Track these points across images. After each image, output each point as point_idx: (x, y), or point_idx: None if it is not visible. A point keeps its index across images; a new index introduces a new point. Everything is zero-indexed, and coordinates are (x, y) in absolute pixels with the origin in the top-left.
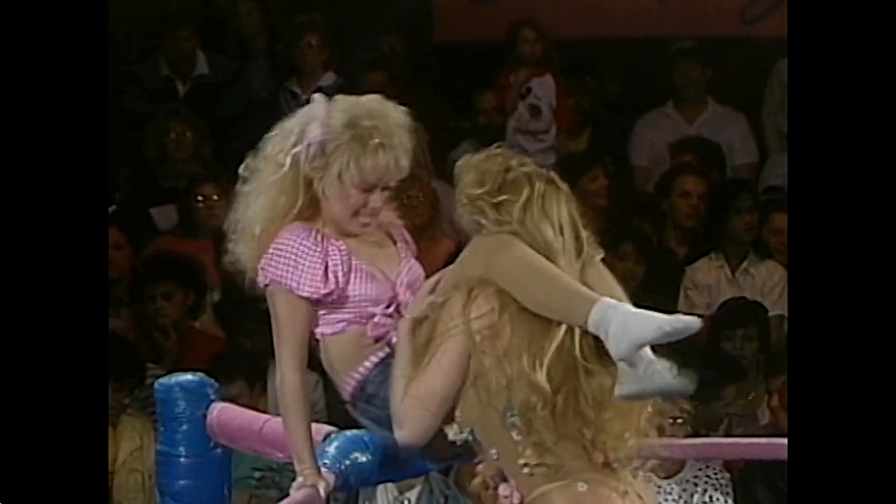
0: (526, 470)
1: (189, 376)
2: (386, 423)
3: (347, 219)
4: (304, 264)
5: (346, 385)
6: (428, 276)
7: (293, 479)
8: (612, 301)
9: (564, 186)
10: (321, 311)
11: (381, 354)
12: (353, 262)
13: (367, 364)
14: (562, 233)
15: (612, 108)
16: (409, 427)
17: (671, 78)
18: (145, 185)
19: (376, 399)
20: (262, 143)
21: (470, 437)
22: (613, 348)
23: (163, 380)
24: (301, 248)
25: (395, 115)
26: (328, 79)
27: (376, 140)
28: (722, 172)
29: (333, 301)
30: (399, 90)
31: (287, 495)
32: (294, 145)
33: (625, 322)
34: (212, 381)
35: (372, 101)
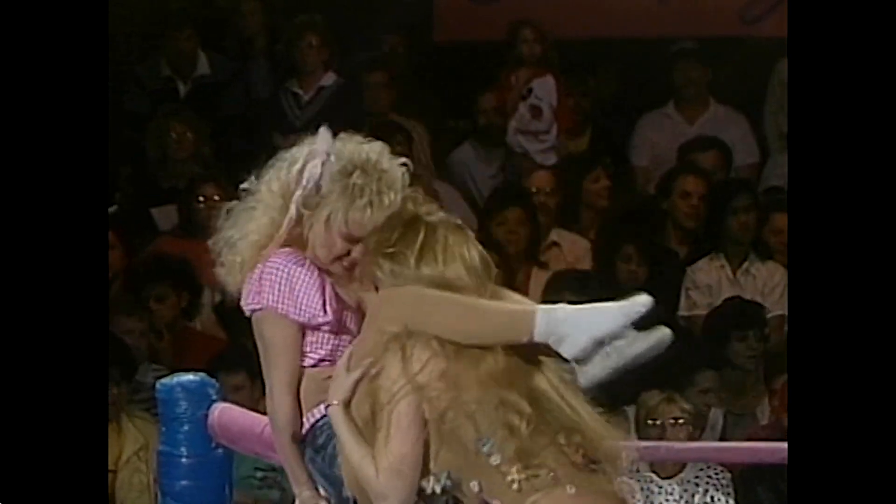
0: (515, 486)
1: (190, 376)
2: (330, 479)
3: (328, 263)
4: (301, 290)
5: (305, 422)
6: None
7: None
8: (548, 306)
9: (470, 233)
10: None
11: None
12: (342, 297)
13: (322, 409)
14: (466, 279)
15: (613, 108)
16: (394, 499)
17: (672, 78)
18: (146, 185)
19: (324, 452)
20: (265, 168)
21: (448, 483)
22: (569, 348)
23: (164, 380)
24: (296, 273)
25: (393, 170)
26: (328, 79)
27: (366, 199)
28: (726, 173)
29: (324, 331)
30: (399, 90)
31: (289, 495)
32: (293, 176)
33: (577, 320)
34: (213, 381)
35: (373, 151)
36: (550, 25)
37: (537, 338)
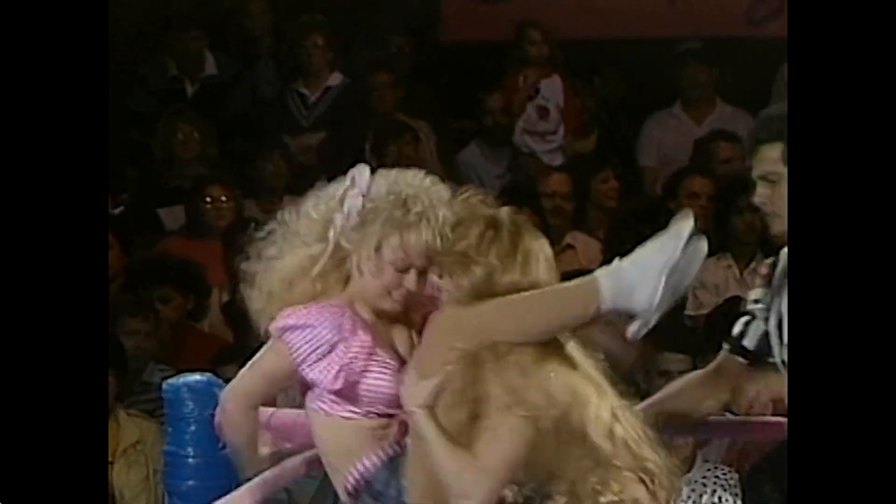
0: None
1: (197, 376)
2: None
3: (379, 297)
4: (321, 356)
5: (347, 478)
6: None
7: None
8: (602, 269)
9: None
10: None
11: (390, 452)
12: (374, 356)
13: (374, 459)
14: (546, 279)
15: (620, 108)
16: (479, 498)
17: (678, 79)
18: (153, 185)
19: (384, 496)
20: (301, 203)
21: (532, 496)
22: (642, 297)
23: (171, 380)
24: (328, 337)
25: (436, 189)
26: (335, 79)
27: (418, 209)
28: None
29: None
30: (406, 90)
31: (295, 495)
32: (333, 211)
33: (636, 266)
34: (219, 381)
35: (412, 175)
36: (557, 26)
37: (606, 305)
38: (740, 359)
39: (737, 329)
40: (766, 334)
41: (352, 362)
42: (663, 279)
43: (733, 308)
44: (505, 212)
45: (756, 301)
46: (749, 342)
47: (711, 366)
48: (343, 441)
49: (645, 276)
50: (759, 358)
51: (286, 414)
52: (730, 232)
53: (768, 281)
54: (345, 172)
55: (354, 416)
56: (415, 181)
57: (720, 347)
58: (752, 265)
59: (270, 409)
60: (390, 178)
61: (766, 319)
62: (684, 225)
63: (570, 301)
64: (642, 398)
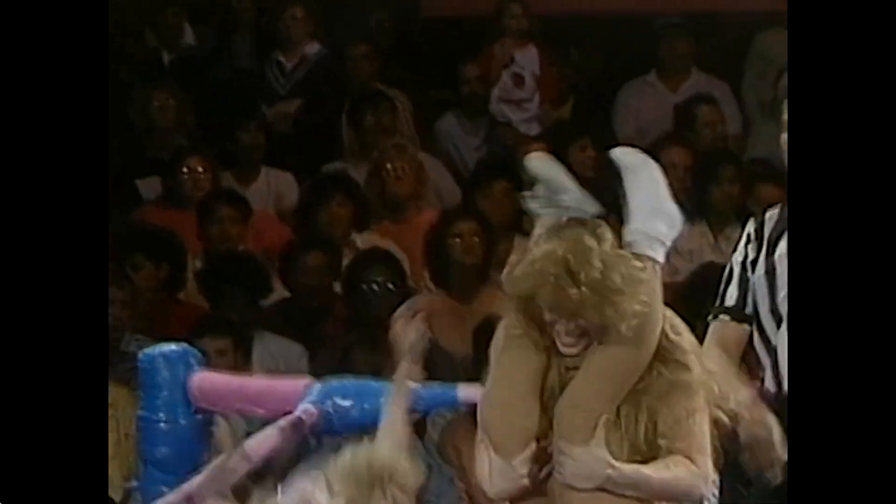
0: None
1: (173, 346)
2: None
3: None
4: None
5: None
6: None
7: None
8: (631, 243)
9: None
10: None
11: None
12: None
13: None
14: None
15: (596, 79)
16: (712, 478)
17: (656, 50)
18: (131, 156)
19: None
20: None
21: None
22: (677, 226)
23: (147, 350)
24: None
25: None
26: (312, 47)
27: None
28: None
29: None
30: (383, 61)
31: None
32: None
33: (650, 216)
34: (194, 350)
35: (362, 452)
36: (537, 1)
37: (661, 255)
38: (746, 326)
39: (732, 299)
40: (755, 295)
41: None
42: (671, 200)
43: (709, 274)
44: (602, 229)
45: (742, 262)
46: (749, 308)
47: (711, 344)
48: None
49: (661, 215)
50: (757, 320)
51: (260, 381)
52: (707, 201)
53: (757, 238)
54: (321, 142)
55: None
56: (368, 461)
57: (697, 313)
58: (727, 232)
59: (244, 378)
60: (349, 477)
61: (749, 281)
62: (634, 155)
63: (656, 283)
64: None
